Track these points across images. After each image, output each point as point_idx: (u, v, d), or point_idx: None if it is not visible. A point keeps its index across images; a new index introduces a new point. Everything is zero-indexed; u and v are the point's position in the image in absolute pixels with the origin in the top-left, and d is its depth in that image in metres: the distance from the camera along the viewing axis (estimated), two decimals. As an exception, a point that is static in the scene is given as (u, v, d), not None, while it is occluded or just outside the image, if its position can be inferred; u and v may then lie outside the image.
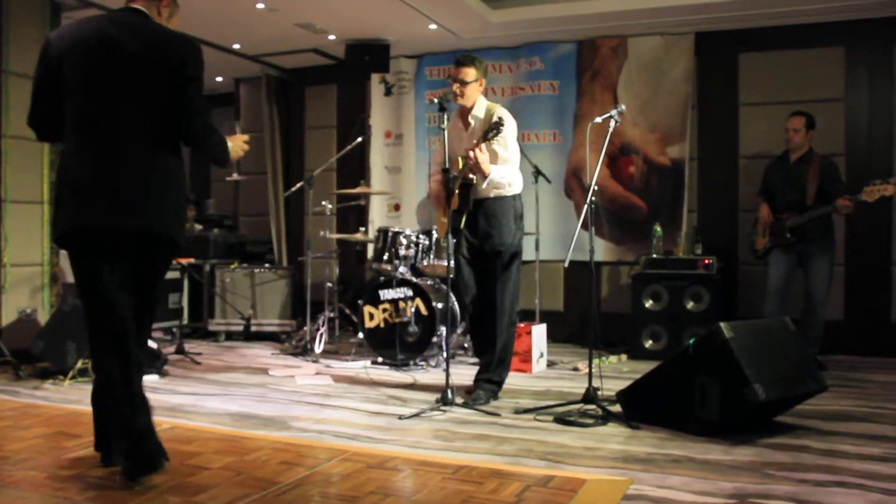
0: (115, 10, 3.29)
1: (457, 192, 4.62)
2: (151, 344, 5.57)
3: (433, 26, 7.07)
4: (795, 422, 4.18)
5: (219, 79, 9.16)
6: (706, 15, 6.62)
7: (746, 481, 3.17)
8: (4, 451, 3.48)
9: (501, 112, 4.69)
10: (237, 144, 3.51)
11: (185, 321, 7.40)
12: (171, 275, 7.27)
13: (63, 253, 6.70)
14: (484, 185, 4.61)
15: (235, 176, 4.52)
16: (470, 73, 4.71)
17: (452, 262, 4.70)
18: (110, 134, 3.09)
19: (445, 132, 4.58)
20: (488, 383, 4.76)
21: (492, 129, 4.49)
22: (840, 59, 6.68)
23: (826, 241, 5.69)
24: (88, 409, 3.42)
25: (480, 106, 4.79)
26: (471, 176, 4.59)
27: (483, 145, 4.48)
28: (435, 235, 6.22)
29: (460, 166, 4.65)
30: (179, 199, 3.27)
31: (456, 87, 4.72)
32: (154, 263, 3.25)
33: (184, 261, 7.24)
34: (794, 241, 5.68)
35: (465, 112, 4.81)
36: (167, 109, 3.14)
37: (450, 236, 4.56)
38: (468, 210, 4.70)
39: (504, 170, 4.63)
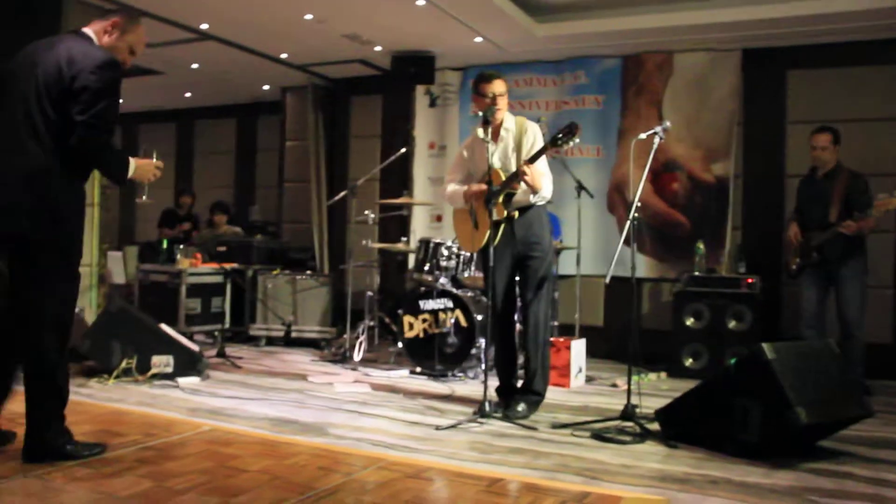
0: (66, 32, 3.55)
1: (500, 202, 4.60)
2: (193, 346, 5.65)
3: (479, 39, 7.11)
4: (839, 447, 4.10)
5: (265, 87, 9.29)
6: (753, 31, 6.58)
7: (786, 505, 3.12)
8: (50, 448, 3.54)
9: (534, 126, 4.75)
10: (146, 168, 3.62)
11: (227, 325, 7.50)
12: (214, 279, 7.39)
13: (111, 255, 6.87)
14: (533, 200, 4.64)
15: (144, 199, 4.60)
16: (502, 85, 4.72)
17: (491, 274, 4.64)
18: (6, 139, 3.31)
19: (489, 145, 4.56)
20: (533, 394, 4.73)
21: (565, 135, 4.35)
22: (891, 78, 6.57)
23: (855, 260, 5.51)
24: (132, 408, 3.51)
25: (510, 119, 4.79)
26: (516, 187, 4.58)
27: (533, 163, 4.44)
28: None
29: (502, 177, 4.61)
30: (48, 204, 3.30)
31: (500, 101, 4.68)
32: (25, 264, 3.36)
33: (227, 265, 7.34)
34: (821, 261, 5.58)
35: (495, 126, 4.74)
36: (63, 123, 3.29)
37: (491, 249, 4.53)
38: (510, 219, 4.66)
39: (547, 182, 4.67)
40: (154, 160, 3.70)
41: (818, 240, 5.56)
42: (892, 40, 6.51)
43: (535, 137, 4.72)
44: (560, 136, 4.37)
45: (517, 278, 4.82)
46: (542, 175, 4.60)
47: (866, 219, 5.30)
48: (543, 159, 4.61)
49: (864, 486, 3.43)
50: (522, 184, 4.54)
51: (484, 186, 4.58)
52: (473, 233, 4.72)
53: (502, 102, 4.71)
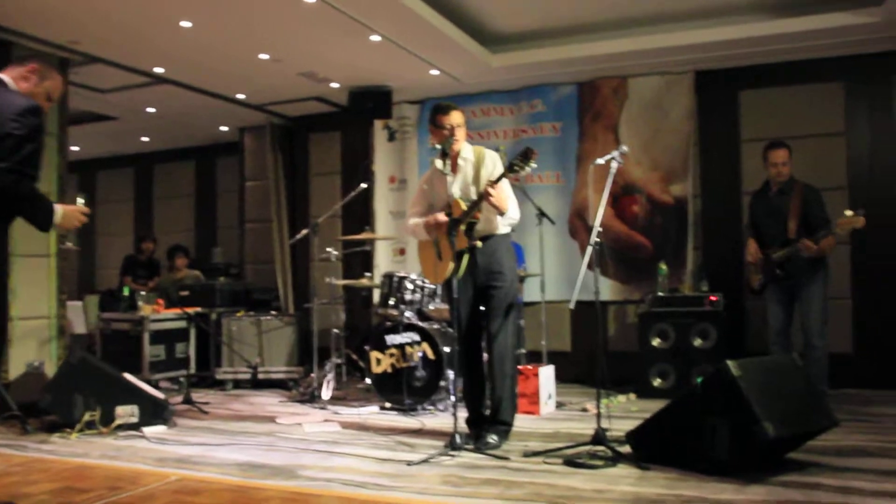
0: None
1: (461, 231, 4.59)
2: (158, 394, 5.56)
3: (435, 72, 7.16)
4: (808, 458, 4.13)
5: (223, 128, 9.27)
6: (705, 54, 6.71)
7: (759, 521, 3.13)
8: (12, 507, 3.45)
9: (492, 153, 4.78)
10: (71, 214, 3.56)
11: (193, 370, 7.40)
12: (177, 324, 7.30)
13: (71, 305, 6.76)
14: (501, 221, 4.65)
15: (70, 245, 4.61)
16: (459, 116, 4.77)
17: (456, 305, 4.65)
18: None
19: (448, 178, 4.60)
20: (501, 424, 4.72)
21: (520, 159, 4.32)
22: (840, 94, 6.74)
23: (815, 271, 5.51)
24: (96, 462, 3.42)
25: (467, 148, 4.82)
26: (478, 216, 4.60)
27: (496, 184, 4.44)
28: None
29: (462, 207, 4.61)
30: None
31: (458, 132, 4.71)
32: None
33: (190, 310, 7.25)
34: (785, 276, 5.58)
35: (453, 156, 4.78)
36: None
37: (454, 279, 4.54)
38: (473, 248, 4.66)
39: (513, 204, 4.68)
40: (80, 205, 3.65)
41: (779, 256, 5.56)
42: (840, 58, 6.67)
43: (493, 164, 4.75)
44: (516, 161, 4.35)
45: (482, 308, 4.80)
46: (507, 197, 4.61)
47: (829, 237, 5.28)
48: (507, 184, 4.64)
49: (833, 496, 3.45)
50: (484, 211, 4.57)
51: (444, 217, 4.60)
52: (437, 264, 4.76)
53: (460, 133, 4.74)
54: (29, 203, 3.38)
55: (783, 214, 5.59)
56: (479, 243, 4.65)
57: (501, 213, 4.57)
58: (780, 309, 5.70)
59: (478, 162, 4.76)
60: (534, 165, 4.39)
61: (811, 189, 5.65)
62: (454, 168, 4.80)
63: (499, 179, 4.46)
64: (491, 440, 4.58)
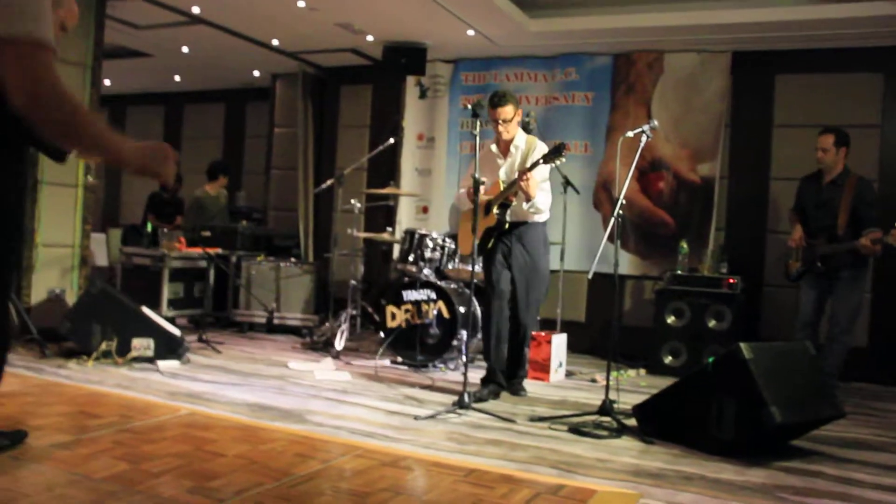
0: None
1: (495, 211, 4.93)
2: (174, 330, 5.65)
3: (471, 32, 7.11)
4: (811, 447, 4.16)
5: (256, 73, 9.27)
6: (744, 34, 6.61)
7: (757, 503, 3.16)
8: (27, 427, 3.54)
9: (543, 146, 5.01)
10: None
11: (209, 310, 7.49)
12: (197, 264, 7.38)
13: (94, 236, 6.84)
14: (526, 208, 4.92)
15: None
16: (509, 110, 5.02)
17: (482, 268, 5.11)
18: None
19: (477, 138, 4.68)
20: (518, 378, 5.24)
21: (554, 153, 4.65)
22: (878, 86, 6.63)
23: (857, 269, 5.44)
24: (110, 390, 3.50)
25: (521, 137, 5.14)
26: (512, 198, 4.91)
27: (530, 171, 4.72)
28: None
29: (501, 188, 4.93)
30: None
31: (501, 127, 5.03)
32: None
33: (211, 251, 7.33)
34: (824, 271, 5.50)
35: (505, 142, 5.13)
36: None
37: (475, 251, 4.67)
38: (503, 230, 5.00)
39: (544, 196, 4.99)
40: None
41: (825, 251, 5.45)
42: (881, 48, 6.55)
43: (540, 154, 4.94)
44: (549, 155, 4.67)
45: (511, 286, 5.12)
46: (538, 187, 4.87)
47: (880, 242, 5.12)
48: (546, 177, 4.99)
49: (832, 485, 3.48)
50: (519, 196, 4.87)
51: (483, 198, 4.93)
52: (470, 235, 4.96)
53: (509, 127, 5.05)
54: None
55: (834, 207, 5.46)
56: (506, 223, 4.97)
57: (528, 200, 4.82)
58: (814, 300, 5.61)
59: (527, 151, 5.10)
60: (564, 160, 4.72)
61: (865, 183, 5.50)
62: (505, 153, 5.15)
63: (531, 168, 4.74)
64: (522, 389, 5.19)
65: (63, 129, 1.82)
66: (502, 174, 5.09)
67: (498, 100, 5.01)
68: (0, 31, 1.69)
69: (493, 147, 5.17)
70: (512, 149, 5.12)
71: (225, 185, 8.65)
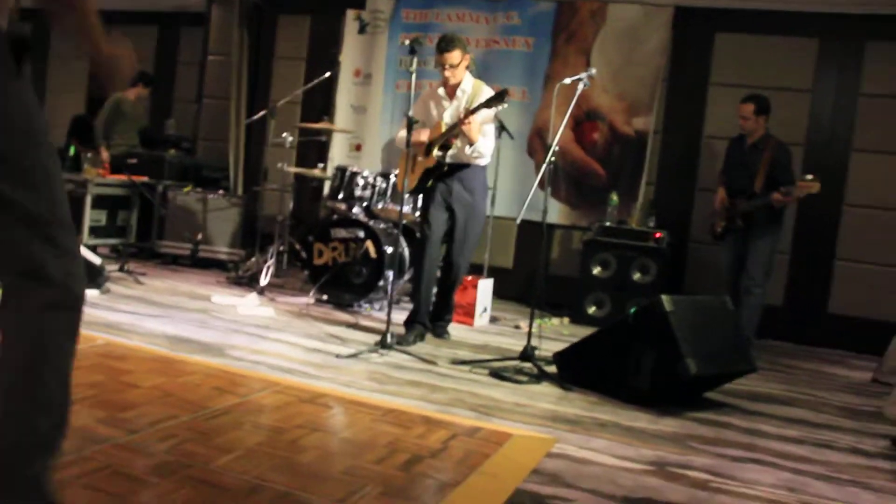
0: None
1: (436, 152, 4.92)
2: (94, 259, 5.49)
3: (414, -32, 6.96)
4: (722, 399, 4.28)
5: None
6: (687, -11, 6.61)
7: (668, 450, 3.25)
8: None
9: (489, 91, 4.99)
10: None
11: (133, 240, 7.30)
12: (121, 192, 7.17)
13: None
14: (469, 152, 4.93)
15: None
16: (456, 55, 4.96)
17: (420, 208, 5.17)
18: None
19: (413, 76, 4.67)
20: (444, 322, 5.30)
21: (496, 99, 4.67)
22: (813, 50, 6.72)
23: (770, 225, 5.67)
24: None
25: (468, 81, 5.12)
26: (453, 141, 4.91)
27: (472, 115, 4.74)
28: (393, 180, 6.19)
29: (442, 129, 4.92)
30: None
31: (447, 72, 4.98)
32: None
33: (136, 178, 7.12)
34: (744, 227, 5.71)
35: (452, 86, 5.08)
36: None
37: (404, 190, 4.67)
38: (444, 171, 4.99)
39: (486, 141, 4.98)
40: None
41: (744, 208, 5.66)
42: (819, 14, 6.62)
43: (484, 99, 4.93)
44: (491, 100, 4.69)
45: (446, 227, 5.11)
46: (480, 131, 4.88)
47: (790, 194, 5.40)
48: (490, 119, 5.00)
49: (740, 436, 3.60)
50: (460, 140, 4.89)
51: (425, 137, 4.99)
52: (409, 175, 5.01)
53: (455, 72, 4.99)
54: None
55: (753, 168, 5.67)
56: (444, 164, 4.97)
57: (471, 144, 4.85)
58: (734, 256, 5.82)
59: (473, 95, 5.06)
60: (505, 106, 4.75)
61: (783, 147, 5.71)
62: (451, 96, 5.11)
63: (473, 112, 4.76)
64: (447, 333, 5.25)
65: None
66: (447, 116, 5.06)
67: (445, 45, 4.94)
68: None
69: (441, 90, 5.13)
70: (459, 92, 5.07)
71: (144, 97, 8.38)
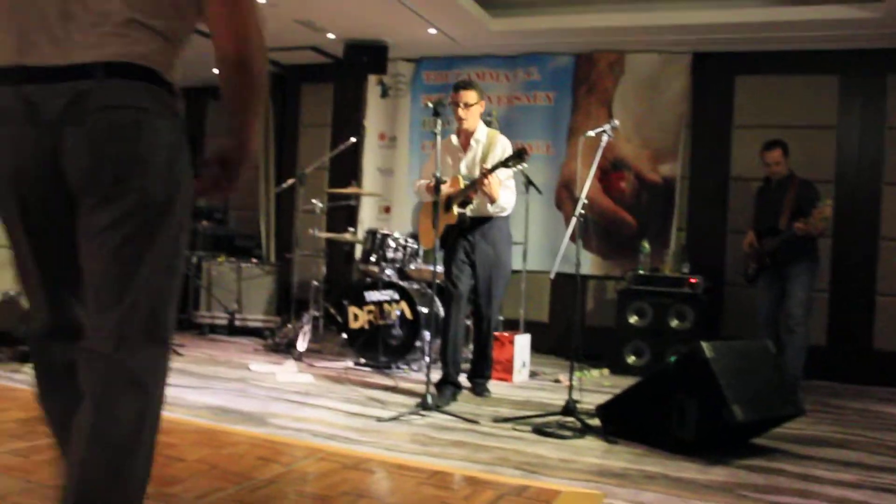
0: None
1: (456, 210, 4.86)
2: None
3: (433, 31, 7.09)
4: (771, 444, 4.20)
5: (216, 71, 9.13)
6: (704, 36, 6.67)
7: (719, 501, 3.18)
8: (-21, 433, 3.46)
9: (505, 141, 4.99)
10: None
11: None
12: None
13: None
14: (491, 209, 4.88)
15: None
16: (473, 95, 4.94)
17: (442, 268, 5.07)
18: None
19: (438, 137, 4.64)
20: (484, 378, 5.21)
21: (514, 158, 4.61)
22: (834, 87, 6.73)
23: (804, 262, 5.66)
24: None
25: (482, 130, 5.05)
26: (472, 196, 4.85)
27: (491, 173, 4.68)
28: (422, 239, 6.23)
29: (461, 185, 4.87)
30: None
31: (461, 111, 4.93)
32: None
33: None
34: (773, 265, 5.72)
35: (466, 134, 5.03)
36: None
37: (436, 247, 4.67)
38: (465, 227, 4.94)
39: (508, 194, 4.92)
40: None
41: (770, 245, 5.71)
42: (837, 51, 6.65)
43: (502, 150, 4.94)
44: (511, 159, 4.62)
45: (472, 282, 5.06)
46: (501, 186, 4.81)
47: (807, 223, 5.42)
48: (510, 174, 4.88)
49: (794, 482, 3.51)
50: (480, 194, 4.80)
51: (446, 190, 4.87)
52: (431, 230, 4.96)
53: (468, 113, 4.94)
54: None
55: (777, 207, 5.73)
56: (466, 220, 4.92)
57: (492, 202, 4.78)
58: (768, 297, 5.82)
59: (488, 146, 4.99)
60: (525, 165, 4.65)
61: (807, 184, 5.76)
62: (466, 147, 5.05)
63: (492, 170, 4.68)
64: (486, 390, 5.16)
65: (259, 84, 1.88)
66: (462, 168, 5.02)
67: (462, 84, 4.96)
68: None
69: (454, 139, 5.09)
70: (473, 142, 5.04)
71: None
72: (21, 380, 4.79)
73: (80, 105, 1.62)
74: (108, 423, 1.66)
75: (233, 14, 1.76)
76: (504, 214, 5.03)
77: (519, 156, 4.59)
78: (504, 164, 4.63)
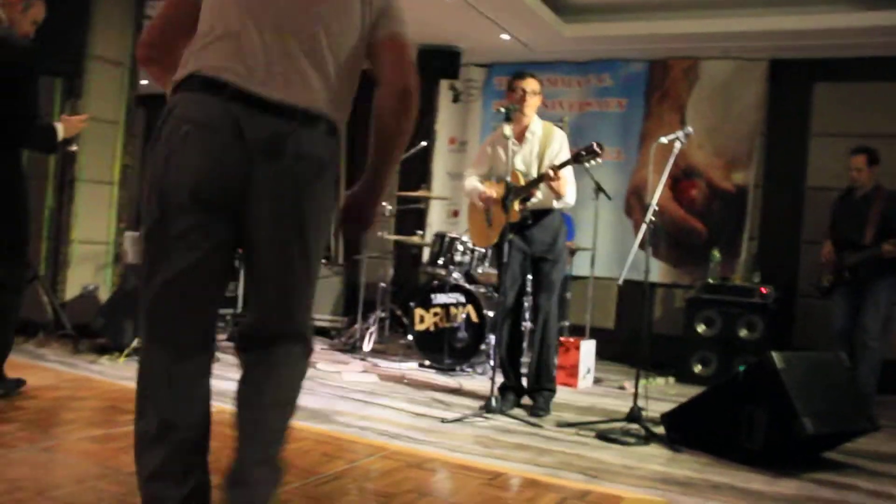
0: None
1: (517, 207, 4.63)
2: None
3: (505, 37, 7.11)
4: (843, 459, 4.09)
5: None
6: (781, 42, 6.55)
7: (787, 514, 3.12)
8: (59, 420, 3.59)
9: (561, 134, 4.82)
10: (71, 125, 3.91)
11: (240, 309, 7.53)
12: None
13: (128, 234, 6.93)
14: (557, 205, 4.72)
15: (74, 147, 5.19)
16: (534, 83, 4.75)
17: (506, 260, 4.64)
18: None
19: (510, 142, 4.59)
20: (549, 391, 4.82)
21: (588, 154, 4.45)
22: (916, 95, 6.54)
23: (886, 277, 5.46)
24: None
25: (537, 122, 4.83)
26: (534, 192, 4.65)
27: (560, 169, 4.51)
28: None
29: (521, 180, 4.68)
30: None
31: (529, 99, 4.71)
32: None
33: (241, 250, 7.36)
34: (853, 280, 5.55)
35: (522, 126, 4.80)
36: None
37: (506, 247, 4.55)
38: (524, 222, 4.73)
39: (572, 189, 4.72)
40: (79, 116, 4.02)
41: (852, 260, 5.54)
42: (919, 57, 6.47)
43: (560, 145, 4.78)
44: (583, 155, 4.46)
45: (529, 278, 4.91)
46: (567, 182, 4.64)
47: None
48: (570, 168, 4.63)
49: (866, 499, 3.42)
50: (541, 189, 4.64)
51: (496, 196, 4.70)
52: (487, 229, 4.86)
53: (532, 100, 4.73)
54: (36, 138, 3.68)
55: (862, 220, 5.55)
56: (528, 219, 4.72)
57: (559, 198, 4.63)
58: (845, 312, 5.65)
59: (545, 139, 4.78)
60: (599, 161, 4.50)
61: (893, 197, 5.58)
62: (521, 139, 4.79)
63: (562, 166, 4.52)
64: (542, 409, 4.68)
65: (407, 127, 2.13)
66: (518, 163, 4.74)
67: (523, 72, 4.80)
68: (394, 27, 2.09)
69: (507, 130, 4.60)
70: (528, 134, 4.78)
71: None
72: (98, 371, 4.96)
73: (280, 143, 1.90)
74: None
75: (402, 56, 2.10)
76: (557, 205, 4.77)
77: (592, 151, 4.44)
78: (577, 159, 4.49)
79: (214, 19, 1.96)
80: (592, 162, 4.49)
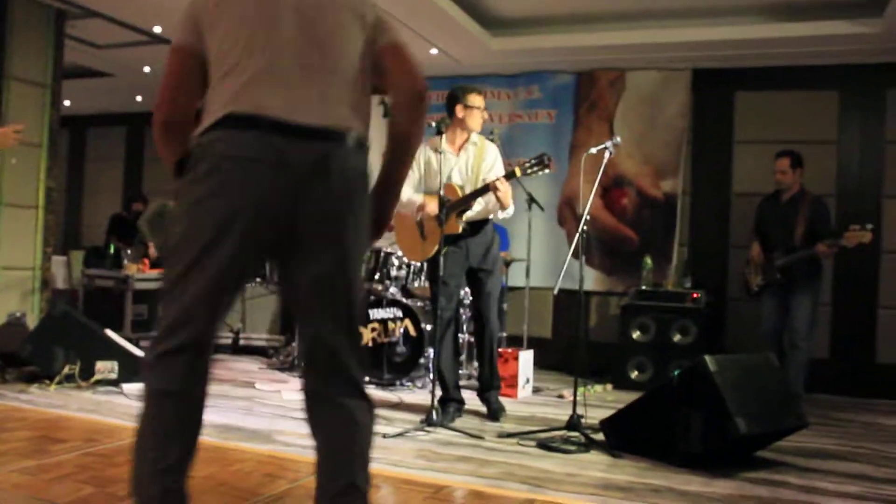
0: None
1: (458, 221, 4.70)
2: (138, 352, 5.57)
3: (434, 51, 7.15)
4: (776, 457, 4.21)
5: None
6: (703, 52, 6.73)
7: (724, 513, 3.19)
8: (-12, 453, 3.48)
9: (494, 146, 4.93)
10: (5, 136, 3.91)
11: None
12: (159, 285, 7.29)
13: (55, 259, 6.76)
14: (501, 216, 4.80)
15: (14, 162, 5.08)
16: (483, 99, 4.87)
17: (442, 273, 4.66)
18: None
19: (442, 156, 4.63)
20: (497, 390, 5.01)
21: (537, 164, 4.55)
22: (834, 102, 6.78)
23: (811, 279, 5.67)
24: (74, 414, 3.42)
25: (475, 135, 4.90)
26: (473, 204, 4.71)
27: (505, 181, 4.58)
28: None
29: (458, 192, 4.72)
30: None
31: (483, 115, 4.85)
32: None
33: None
34: (784, 281, 5.71)
35: (462, 139, 4.85)
36: None
37: (441, 260, 4.57)
38: (463, 234, 4.77)
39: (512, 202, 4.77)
40: (12, 126, 3.92)
41: (784, 262, 5.67)
42: (836, 66, 6.71)
43: (494, 158, 4.87)
44: (530, 166, 4.56)
45: (466, 291, 4.98)
46: (509, 193, 4.68)
47: (836, 245, 5.39)
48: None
49: (798, 494, 3.52)
50: (479, 201, 4.69)
51: (435, 211, 4.66)
52: (421, 243, 4.88)
53: (483, 115, 4.87)
54: None
55: (791, 222, 5.71)
56: (460, 228, 4.74)
57: (504, 208, 4.68)
58: (774, 311, 5.80)
59: (479, 151, 4.85)
60: (549, 171, 4.62)
61: (820, 202, 5.78)
62: (459, 150, 4.85)
63: (509, 177, 4.59)
64: (501, 409, 4.95)
65: (422, 130, 2.28)
66: (455, 176, 4.78)
67: (475, 87, 4.87)
68: (392, 36, 2.22)
69: (441, 143, 4.64)
70: (470, 146, 4.83)
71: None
72: (27, 400, 4.82)
73: (325, 163, 2.00)
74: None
75: (405, 60, 2.21)
76: (508, 217, 4.92)
77: (541, 161, 4.53)
78: (523, 170, 4.55)
79: (231, 58, 2.02)
80: (540, 172, 4.59)
